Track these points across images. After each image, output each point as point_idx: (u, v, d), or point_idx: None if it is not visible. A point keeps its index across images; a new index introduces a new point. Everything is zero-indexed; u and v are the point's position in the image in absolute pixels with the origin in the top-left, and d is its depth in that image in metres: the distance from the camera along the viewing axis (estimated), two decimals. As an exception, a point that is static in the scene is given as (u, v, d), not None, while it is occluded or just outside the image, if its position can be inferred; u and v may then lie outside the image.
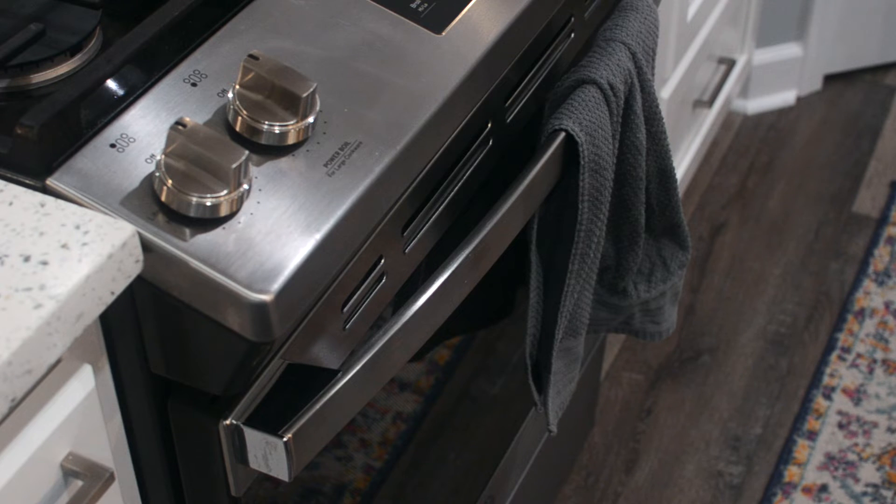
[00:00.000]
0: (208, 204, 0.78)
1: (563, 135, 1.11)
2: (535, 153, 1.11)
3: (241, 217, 0.80)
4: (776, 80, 2.56)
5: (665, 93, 1.89)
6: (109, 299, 0.74)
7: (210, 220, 0.79)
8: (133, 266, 0.75)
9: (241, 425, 0.85)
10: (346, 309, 0.88)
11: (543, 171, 1.10)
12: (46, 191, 0.78)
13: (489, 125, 1.03)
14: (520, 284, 1.35)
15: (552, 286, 1.22)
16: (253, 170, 0.83)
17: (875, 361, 2.06)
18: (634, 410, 1.99)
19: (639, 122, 1.23)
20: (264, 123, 0.83)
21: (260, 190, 0.82)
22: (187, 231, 0.78)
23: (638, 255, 1.34)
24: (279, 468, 0.87)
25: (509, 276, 1.29)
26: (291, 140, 0.84)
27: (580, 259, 1.20)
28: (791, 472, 1.90)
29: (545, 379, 1.29)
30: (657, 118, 1.27)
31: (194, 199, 0.78)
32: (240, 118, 0.83)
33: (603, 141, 1.15)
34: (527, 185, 1.07)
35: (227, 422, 0.85)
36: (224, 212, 0.79)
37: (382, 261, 0.91)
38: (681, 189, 2.14)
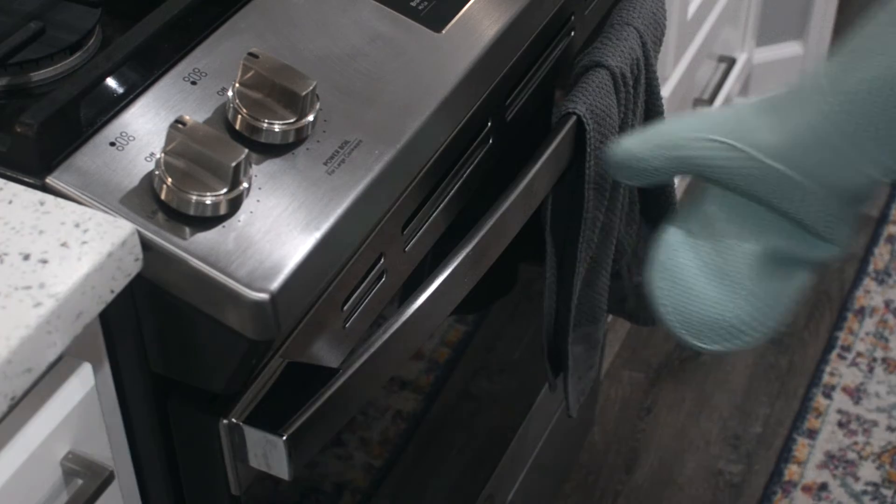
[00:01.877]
0: (208, 202, 0.78)
1: (573, 118, 1.12)
2: (545, 136, 1.11)
3: (241, 215, 0.80)
4: (776, 79, 2.56)
5: (665, 91, 1.89)
6: (109, 298, 0.74)
7: (210, 219, 0.79)
8: (133, 264, 0.75)
9: (241, 424, 0.85)
10: (346, 307, 0.88)
11: (554, 154, 1.10)
12: (46, 189, 0.78)
13: (489, 124, 1.03)
14: (522, 261, 1.35)
15: (565, 270, 1.24)
16: (253, 168, 0.82)
17: (875, 360, 2.06)
18: (634, 409, 1.99)
19: (639, 111, 1.24)
20: (264, 122, 0.83)
21: (260, 188, 0.82)
22: (187, 229, 0.78)
23: (632, 238, 1.35)
24: (279, 467, 0.87)
25: (511, 253, 1.30)
26: (291, 138, 0.84)
27: (586, 245, 1.21)
28: (791, 471, 1.90)
29: (563, 363, 1.31)
30: (657, 107, 1.27)
31: (194, 198, 0.78)
32: (239, 116, 0.83)
33: (609, 128, 1.16)
34: (535, 172, 1.08)
35: (227, 420, 0.85)
36: (224, 210, 0.79)
37: (382, 259, 0.91)
38: (681, 187, 2.13)
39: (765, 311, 0.79)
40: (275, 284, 0.78)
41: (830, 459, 1.91)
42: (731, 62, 2.29)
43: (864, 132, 0.72)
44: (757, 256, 0.78)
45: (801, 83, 0.76)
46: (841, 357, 2.07)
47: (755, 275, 0.78)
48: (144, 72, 0.86)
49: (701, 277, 0.79)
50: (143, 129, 0.83)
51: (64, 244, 0.73)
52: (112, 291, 0.74)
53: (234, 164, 0.78)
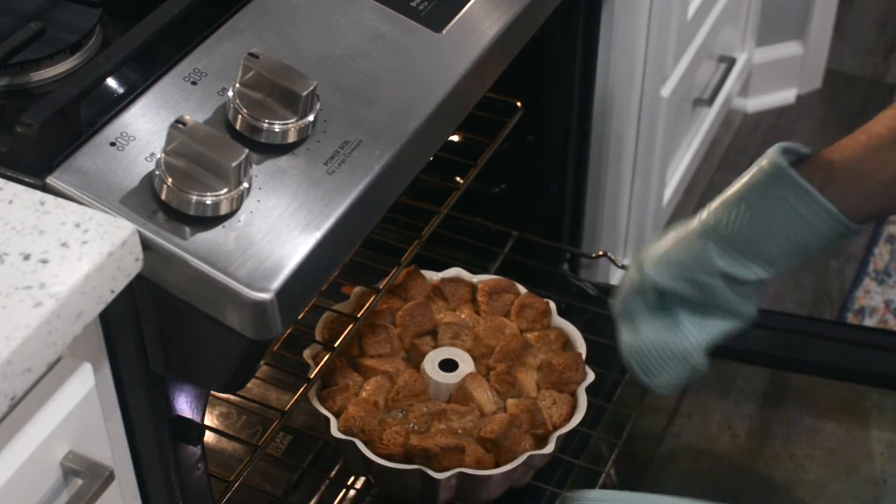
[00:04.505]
0: (208, 202, 0.78)
1: None
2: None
3: (241, 215, 0.80)
4: (776, 79, 2.56)
5: (665, 91, 1.89)
6: (109, 298, 0.74)
7: (210, 219, 0.79)
8: (133, 264, 0.75)
9: None
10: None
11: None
12: (46, 189, 0.78)
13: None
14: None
15: None
16: (253, 168, 0.82)
17: (875, 360, 2.06)
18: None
19: None
20: (264, 122, 0.83)
21: (260, 188, 0.82)
22: (187, 229, 0.78)
23: None
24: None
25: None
26: (291, 138, 0.84)
27: None
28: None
29: None
30: None
31: (194, 198, 0.78)
32: (240, 116, 0.83)
33: None
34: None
35: None
36: (224, 210, 0.79)
37: (382, 259, 0.91)
38: (681, 188, 2.14)
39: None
40: (275, 284, 0.78)
41: (830, 459, 1.91)
42: (731, 62, 2.29)
43: (737, 252, 1.10)
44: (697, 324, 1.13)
45: (696, 220, 1.11)
46: (841, 357, 2.07)
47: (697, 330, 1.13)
48: (145, 72, 0.86)
49: (651, 329, 1.14)
50: (144, 129, 0.83)
51: (64, 244, 0.73)
52: (112, 291, 0.74)
53: (234, 164, 0.78)
